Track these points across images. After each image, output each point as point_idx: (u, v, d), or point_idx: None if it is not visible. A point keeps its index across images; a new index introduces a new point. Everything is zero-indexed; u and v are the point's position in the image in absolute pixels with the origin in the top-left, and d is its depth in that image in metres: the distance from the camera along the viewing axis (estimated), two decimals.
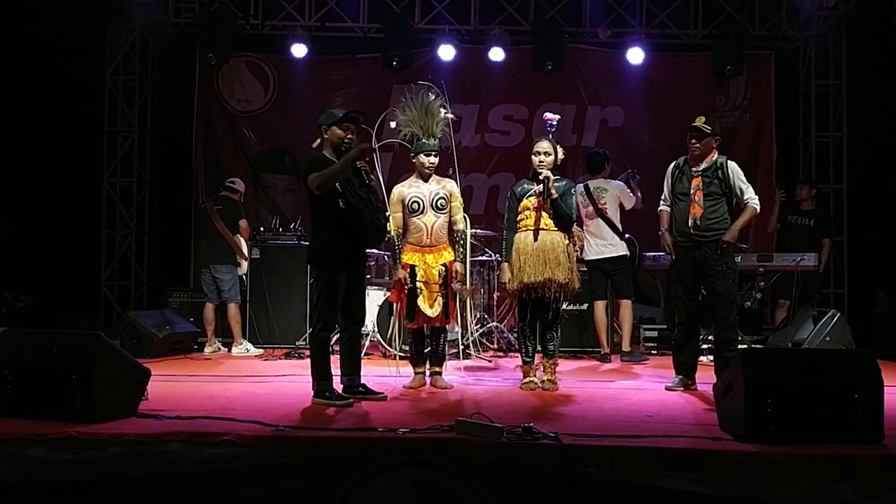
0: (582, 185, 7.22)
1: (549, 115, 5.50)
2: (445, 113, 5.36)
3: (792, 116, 9.85)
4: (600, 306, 7.24)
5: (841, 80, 9.51)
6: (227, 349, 7.64)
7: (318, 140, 4.85)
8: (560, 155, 5.35)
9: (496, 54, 9.39)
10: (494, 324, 7.77)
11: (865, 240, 9.18)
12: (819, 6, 9.17)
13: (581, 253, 6.53)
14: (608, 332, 7.28)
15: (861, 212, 9.30)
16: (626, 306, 7.21)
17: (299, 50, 9.43)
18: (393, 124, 5.39)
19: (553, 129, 5.45)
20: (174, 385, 5.27)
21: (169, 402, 4.38)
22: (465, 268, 5.54)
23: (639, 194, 7.32)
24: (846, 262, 9.41)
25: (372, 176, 4.86)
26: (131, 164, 9.69)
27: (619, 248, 7.16)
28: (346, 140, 4.73)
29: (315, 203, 4.70)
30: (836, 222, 9.07)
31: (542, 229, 5.23)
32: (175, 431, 3.60)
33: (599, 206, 7.13)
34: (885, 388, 3.67)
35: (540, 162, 5.26)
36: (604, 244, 7.14)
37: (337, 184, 4.57)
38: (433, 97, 5.29)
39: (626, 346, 7.18)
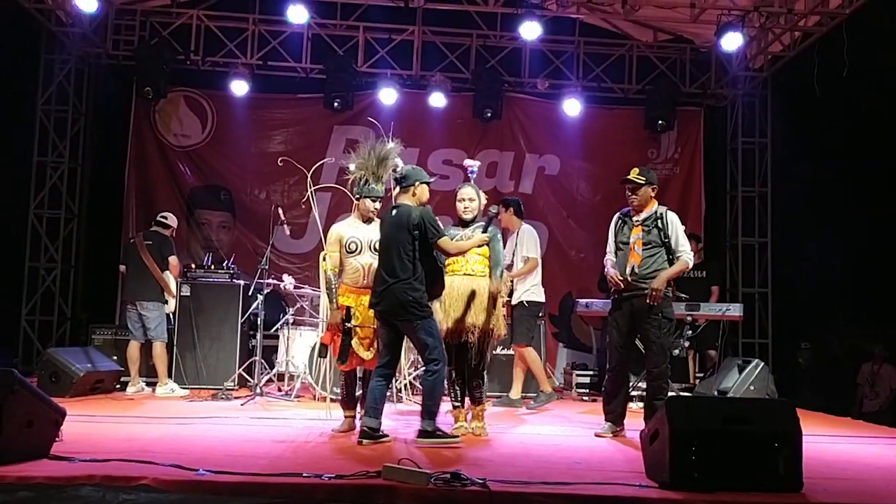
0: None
1: (469, 162, 5.58)
2: (396, 159, 5.35)
3: (720, 171, 10.23)
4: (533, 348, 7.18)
5: (766, 138, 9.94)
6: (151, 389, 7.39)
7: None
8: (483, 200, 5.44)
9: (437, 100, 9.54)
10: None
11: (789, 292, 9.50)
12: (745, 67, 9.65)
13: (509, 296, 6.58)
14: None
15: (784, 265, 9.65)
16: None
17: (240, 87, 9.39)
18: (352, 167, 5.31)
19: (474, 175, 5.54)
20: (92, 426, 5.06)
21: (85, 444, 4.19)
22: None
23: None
24: (770, 314, 9.71)
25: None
26: (60, 195, 9.41)
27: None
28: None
29: (424, 256, 4.82)
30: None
31: (468, 275, 5.27)
32: (88, 475, 3.44)
33: None
34: (805, 437, 3.77)
35: (465, 208, 5.36)
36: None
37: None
38: (390, 146, 5.28)
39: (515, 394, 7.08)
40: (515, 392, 7.08)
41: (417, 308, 4.73)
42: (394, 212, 4.90)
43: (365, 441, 4.71)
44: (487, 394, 5.61)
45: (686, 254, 5.36)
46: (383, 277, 4.80)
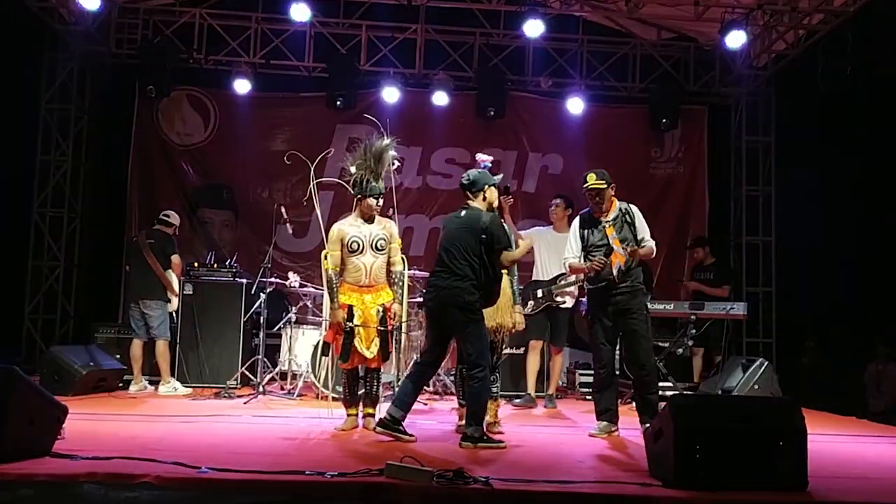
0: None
1: (482, 157, 5.57)
2: (393, 154, 5.35)
3: (724, 170, 10.19)
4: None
5: (770, 137, 9.89)
6: (153, 388, 7.38)
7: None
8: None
9: (440, 98, 9.52)
10: None
11: (793, 291, 9.46)
12: (749, 66, 9.61)
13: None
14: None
15: (789, 263, 9.60)
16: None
17: (242, 86, 9.37)
18: (352, 168, 5.29)
19: (487, 170, 5.51)
20: (95, 424, 5.06)
21: (87, 442, 4.19)
22: (403, 309, 5.51)
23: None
24: (774, 313, 9.67)
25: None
26: (63, 194, 9.40)
27: None
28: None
29: (491, 261, 4.82)
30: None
31: None
32: (90, 472, 3.43)
33: None
34: (810, 436, 3.74)
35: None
36: None
37: None
38: (386, 142, 5.28)
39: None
40: (531, 390, 7.08)
41: (470, 311, 4.75)
42: (462, 213, 4.96)
43: (379, 429, 4.74)
44: (501, 392, 5.61)
45: (651, 240, 5.45)
46: (441, 275, 4.83)
